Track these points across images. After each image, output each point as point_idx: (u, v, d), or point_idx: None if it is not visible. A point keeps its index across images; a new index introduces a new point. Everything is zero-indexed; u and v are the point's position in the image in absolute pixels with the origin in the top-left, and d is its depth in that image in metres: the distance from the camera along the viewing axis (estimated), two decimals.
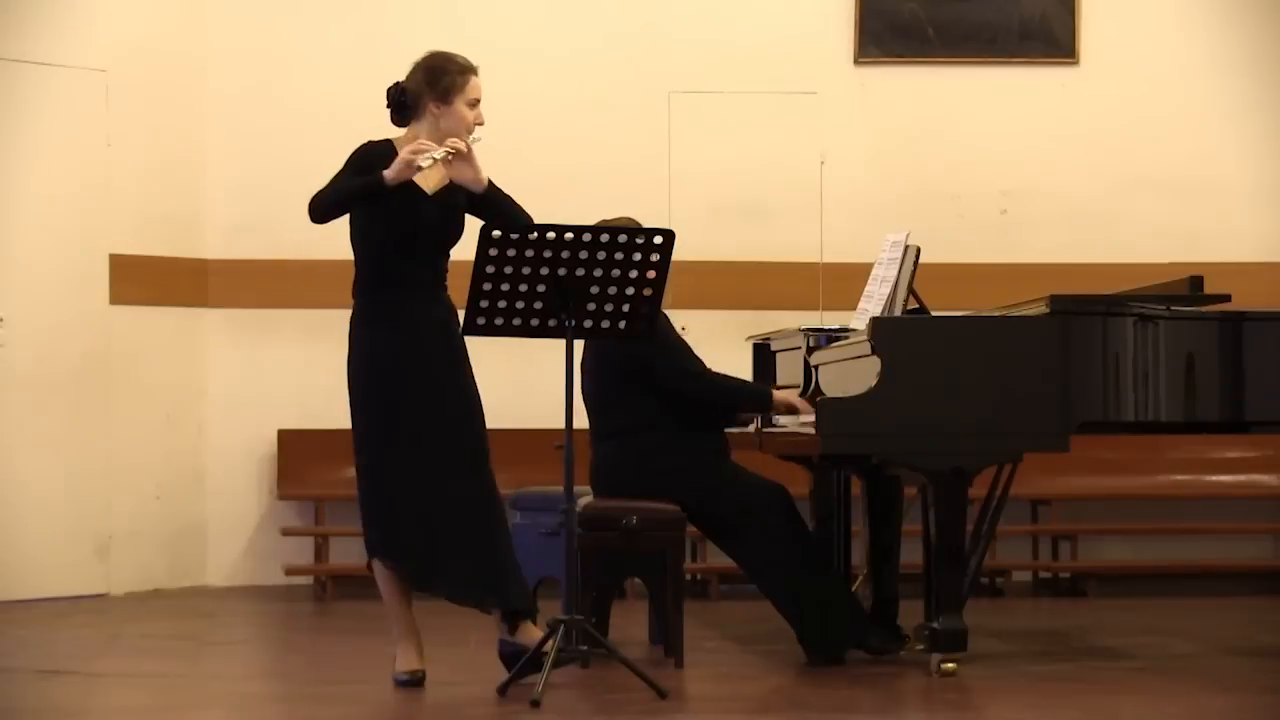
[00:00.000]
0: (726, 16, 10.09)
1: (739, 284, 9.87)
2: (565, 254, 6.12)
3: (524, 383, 8.92)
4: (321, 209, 6.25)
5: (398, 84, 6.39)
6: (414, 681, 6.33)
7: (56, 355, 9.33)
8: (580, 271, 6.14)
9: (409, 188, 6.14)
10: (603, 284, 6.18)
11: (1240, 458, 9.95)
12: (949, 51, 10.10)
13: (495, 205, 6.31)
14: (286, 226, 9.75)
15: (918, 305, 7.13)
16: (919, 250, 7.03)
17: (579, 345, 6.43)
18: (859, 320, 7.12)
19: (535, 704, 5.90)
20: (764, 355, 7.93)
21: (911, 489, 6.90)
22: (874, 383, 6.47)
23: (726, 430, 7.26)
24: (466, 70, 6.36)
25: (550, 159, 9.68)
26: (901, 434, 6.49)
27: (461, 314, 6.26)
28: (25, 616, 8.58)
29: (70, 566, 9.35)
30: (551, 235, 6.11)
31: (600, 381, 7.15)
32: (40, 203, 9.31)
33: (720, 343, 8.24)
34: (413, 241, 6.28)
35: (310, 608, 9.33)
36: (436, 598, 6.36)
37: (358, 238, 6.35)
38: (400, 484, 6.27)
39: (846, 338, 7.06)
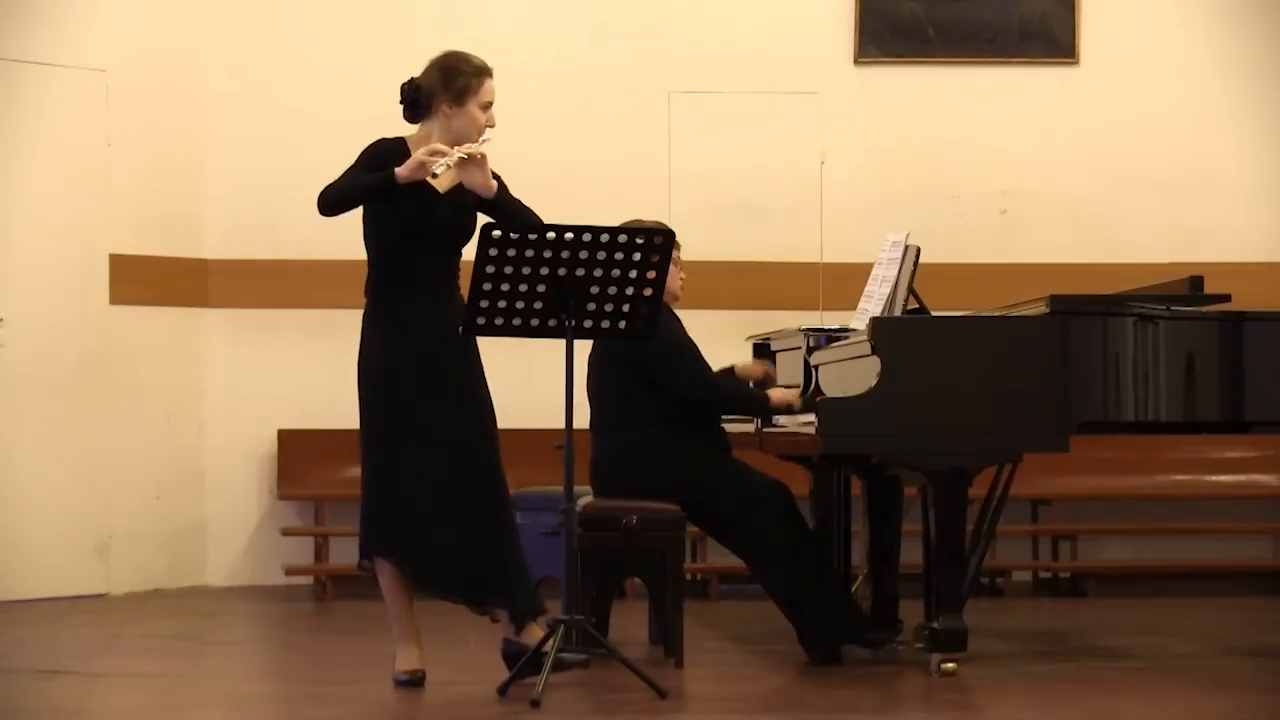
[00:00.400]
0: (726, 16, 10.09)
1: (739, 284, 9.87)
2: (565, 254, 6.12)
3: (524, 383, 8.91)
4: (331, 202, 6.23)
5: (412, 80, 6.38)
6: (414, 681, 6.33)
7: (56, 355, 9.33)
8: (580, 271, 6.14)
9: (421, 186, 6.14)
10: (603, 284, 6.18)
11: (1240, 458, 9.95)
12: (949, 51, 10.10)
13: (504, 210, 6.29)
14: (286, 226, 9.79)
15: (918, 305, 7.13)
16: (919, 250, 7.04)
17: (583, 343, 6.43)
18: (859, 320, 7.12)
19: (535, 704, 5.90)
20: (764, 355, 7.93)
21: (911, 489, 6.90)
22: (874, 383, 6.47)
23: (728, 429, 7.27)
24: (482, 72, 6.35)
25: (550, 159, 9.67)
26: (901, 434, 6.49)
27: None
28: (25, 616, 8.58)
29: (70, 566, 9.35)
30: (552, 235, 6.10)
31: (606, 375, 7.15)
32: (40, 203, 9.31)
33: (720, 343, 8.22)
34: (425, 239, 6.27)
35: (310, 608, 9.33)
36: (439, 596, 6.37)
37: (370, 235, 6.34)
38: (408, 483, 6.27)
39: (846, 338, 7.06)
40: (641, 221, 6.67)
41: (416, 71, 6.42)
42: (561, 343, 6.25)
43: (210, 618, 8.87)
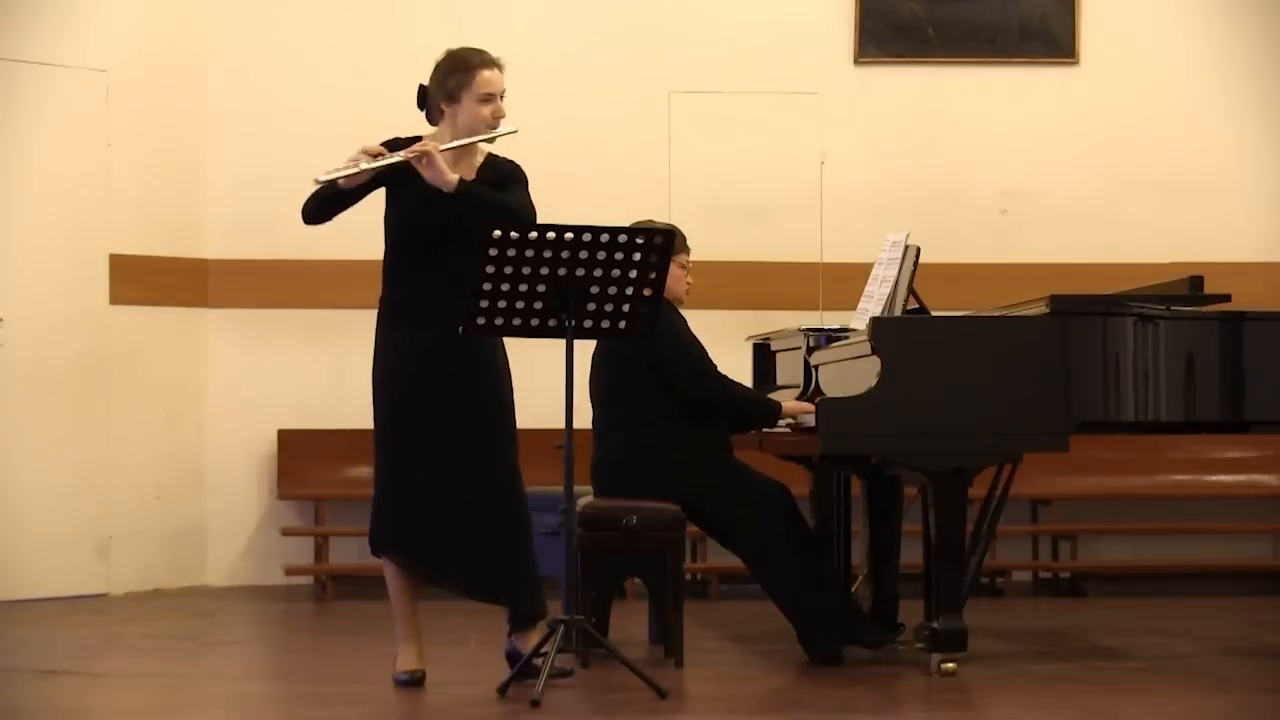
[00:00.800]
0: (726, 16, 10.09)
1: (739, 284, 9.86)
2: (565, 254, 6.12)
3: (524, 383, 8.89)
4: (309, 209, 6.33)
5: (421, 85, 6.41)
6: (414, 681, 6.34)
7: (56, 355, 9.33)
8: (580, 271, 6.14)
9: (422, 185, 6.15)
10: (603, 284, 6.18)
11: (1240, 458, 9.95)
12: (949, 51, 10.10)
13: (468, 203, 6.22)
14: (286, 226, 9.67)
15: (918, 305, 7.13)
16: (919, 250, 7.03)
17: (585, 342, 6.42)
18: (859, 320, 7.12)
19: (535, 704, 5.90)
20: (764, 355, 7.93)
21: (911, 489, 6.90)
22: (874, 383, 6.47)
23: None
24: (474, 67, 6.34)
25: (550, 159, 9.62)
26: (901, 434, 6.48)
27: None
28: (25, 616, 8.58)
29: (70, 566, 9.35)
30: (552, 235, 6.10)
31: (611, 373, 7.15)
32: (40, 203, 9.31)
33: (720, 343, 8.20)
34: (427, 235, 6.27)
35: (310, 608, 9.33)
36: (446, 593, 6.37)
37: (385, 230, 6.38)
38: (415, 482, 6.27)
39: (846, 338, 7.06)
40: (653, 223, 6.64)
41: (416, 72, 6.45)
42: (561, 343, 6.25)
43: (210, 618, 8.87)
